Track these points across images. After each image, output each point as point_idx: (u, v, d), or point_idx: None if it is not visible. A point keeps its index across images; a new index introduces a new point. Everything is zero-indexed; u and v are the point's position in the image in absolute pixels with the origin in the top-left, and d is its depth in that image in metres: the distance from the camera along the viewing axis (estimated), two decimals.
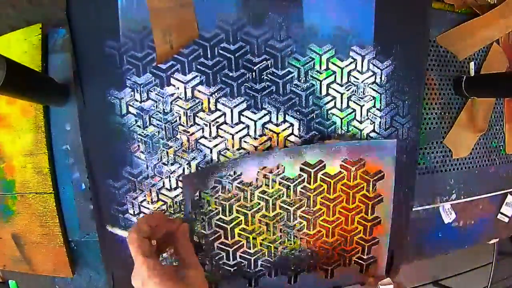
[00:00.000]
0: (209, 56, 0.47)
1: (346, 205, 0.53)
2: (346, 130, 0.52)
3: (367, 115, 0.51)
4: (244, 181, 0.49)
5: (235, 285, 0.54)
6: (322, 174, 0.50)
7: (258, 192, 0.50)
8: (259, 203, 0.50)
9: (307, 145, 0.50)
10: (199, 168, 0.50)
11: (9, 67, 0.37)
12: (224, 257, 0.52)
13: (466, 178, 0.65)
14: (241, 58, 0.48)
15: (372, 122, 0.52)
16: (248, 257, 0.53)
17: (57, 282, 0.56)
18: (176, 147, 0.49)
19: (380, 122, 0.52)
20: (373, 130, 0.52)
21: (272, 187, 0.50)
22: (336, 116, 0.51)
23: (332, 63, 0.49)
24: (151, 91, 0.48)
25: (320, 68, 0.49)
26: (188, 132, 0.49)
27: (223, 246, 0.52)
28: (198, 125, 0.49)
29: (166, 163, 0.49)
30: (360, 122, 0.51)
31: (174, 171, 0.50)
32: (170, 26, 0.46)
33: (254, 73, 0.48)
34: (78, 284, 0.56)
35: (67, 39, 0.49)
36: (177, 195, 0.50)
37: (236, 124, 0.49)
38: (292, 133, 0.50)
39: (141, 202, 0.50)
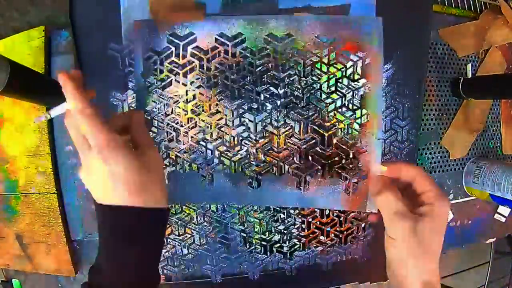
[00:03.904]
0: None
1: (321, 91, 0.45)
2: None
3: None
4: (200, 46, 0.45)
5: (188, 179, 0.48)
6: (290, 49, 0.45)
7: (215, 62, 0.45)
8: (216, 75, 0.45)
9: (273, 15, 0.44)
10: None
11: (12, 69, 0.38)
12: (174, 137, 0.47)
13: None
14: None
15: None
16: (202, 142, 0.47)
17: (60, 281, 0.57)
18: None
19: None
20: None
21: (233, 58, 0.45)
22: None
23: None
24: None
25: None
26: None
27: (174, 124, 0.46)
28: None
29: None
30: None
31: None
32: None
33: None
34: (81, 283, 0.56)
35: (70, 41, 0.49)
36: None
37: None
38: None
39: None
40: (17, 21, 0.53)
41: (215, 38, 0.45)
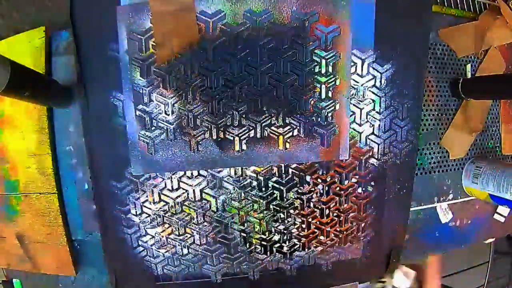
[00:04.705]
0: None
1: (298, 61, 0.49)
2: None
3: (366, 118, 0.52)
4: None
5: (176, 148, 0.49)
6: (268, 24, 0.47)
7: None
8: (199, 52, 0.47)
9: None
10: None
11: (13, 69, 0.38)
12: (163, 110, 0.49)
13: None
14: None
15: (371, 125, 0.52)
16: (187, 112, 0.49)
17: (60, 280, 0.57)
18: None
19: (379, 125, 0.53)
20: (372, 133, 0.53)
21: (214, 34, 0.47)
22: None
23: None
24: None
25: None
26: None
27: (161, 97, 0.48)
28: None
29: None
30: (360, 125, 0.52)
31: (176, 172, 0.50)
32: (171, 29, 0.47)
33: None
34: (81, 283, 0.56)
35: (70, 42, 0.49)
36: (179, 196, 0.51)
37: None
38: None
39: (143, 202, 0.51)
40: (17, 22, 0.53)
41: (196, 16, 0.46)
